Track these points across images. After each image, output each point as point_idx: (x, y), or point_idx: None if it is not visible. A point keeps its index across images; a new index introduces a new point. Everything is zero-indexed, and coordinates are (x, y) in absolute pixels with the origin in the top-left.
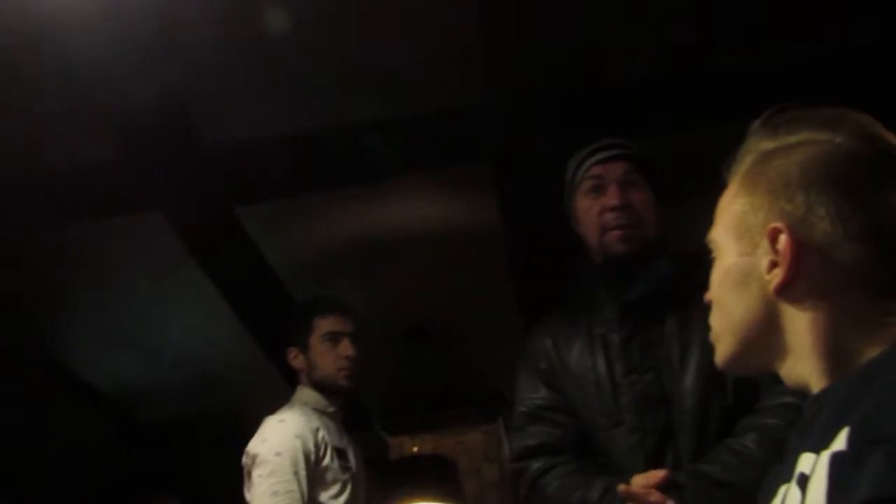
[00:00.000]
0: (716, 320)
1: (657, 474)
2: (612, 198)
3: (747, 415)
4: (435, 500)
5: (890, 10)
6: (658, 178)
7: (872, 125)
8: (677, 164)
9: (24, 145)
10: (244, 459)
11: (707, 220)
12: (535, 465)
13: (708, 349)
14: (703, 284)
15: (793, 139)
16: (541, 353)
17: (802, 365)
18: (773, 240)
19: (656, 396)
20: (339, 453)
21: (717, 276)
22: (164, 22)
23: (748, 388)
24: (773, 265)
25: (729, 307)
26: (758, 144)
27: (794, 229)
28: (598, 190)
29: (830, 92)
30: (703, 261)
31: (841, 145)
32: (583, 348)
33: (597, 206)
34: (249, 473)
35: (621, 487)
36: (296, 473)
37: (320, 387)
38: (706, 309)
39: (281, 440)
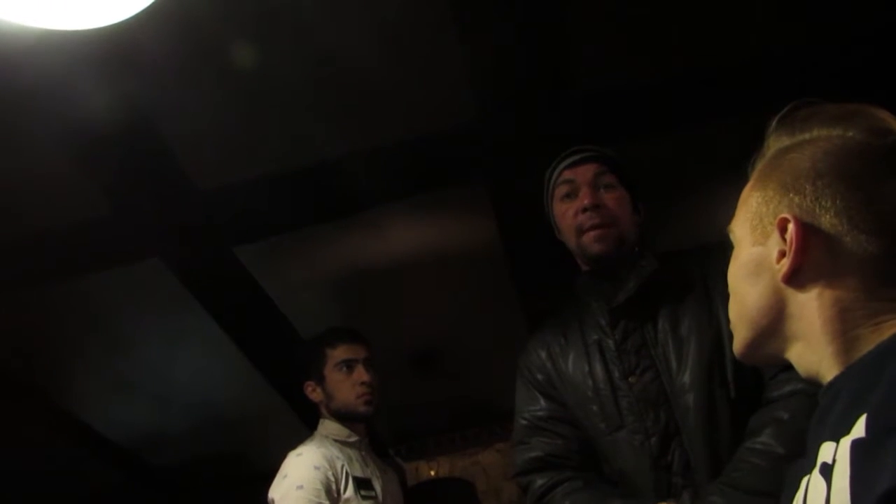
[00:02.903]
0: (733, 310)
1: None
2: (584, 199)
3: (755, 407)
4: None
5: None
6: (631, 178)
7: (887, 119)
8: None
9: (16, 205)
10: (269, 500)
11: (691, 218)
12: (540, 480)
13: (704, 343)
14: (691, 279)
15: (807, 135)
16: (536, 365)
17: (812, 352)
18: (782, 230)
19: (656, 396)
20: (361, 483)
21: (733, 267)
22: (150, 77)
23: (750, 377)
24: (783, 255)
25: (744, 296)
26: (776, 142)
27: (802, 219)
28: (572, 195)
29: (815, 88)
30: (688, 255)
31: (852, 139)
32: (578, 356)
33: (571, 210)
34: None
35: None
36: None
37: (340, 416)
38: (698, 304)
39: (301, 474)
